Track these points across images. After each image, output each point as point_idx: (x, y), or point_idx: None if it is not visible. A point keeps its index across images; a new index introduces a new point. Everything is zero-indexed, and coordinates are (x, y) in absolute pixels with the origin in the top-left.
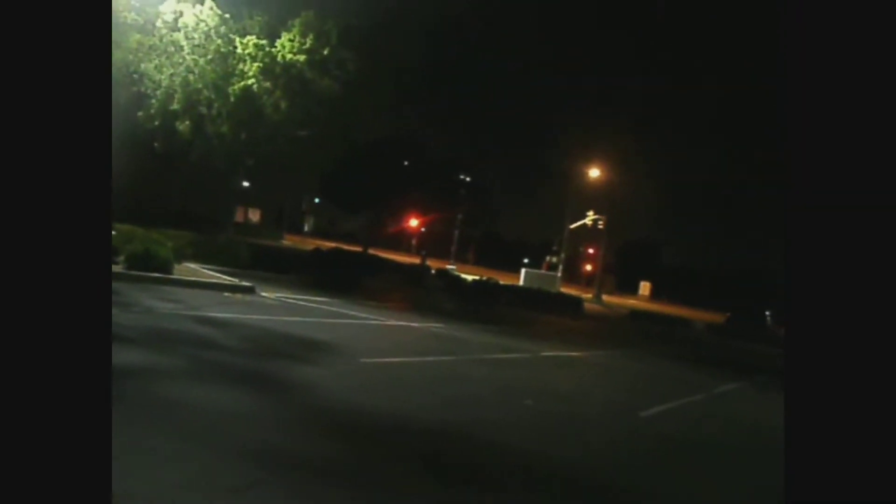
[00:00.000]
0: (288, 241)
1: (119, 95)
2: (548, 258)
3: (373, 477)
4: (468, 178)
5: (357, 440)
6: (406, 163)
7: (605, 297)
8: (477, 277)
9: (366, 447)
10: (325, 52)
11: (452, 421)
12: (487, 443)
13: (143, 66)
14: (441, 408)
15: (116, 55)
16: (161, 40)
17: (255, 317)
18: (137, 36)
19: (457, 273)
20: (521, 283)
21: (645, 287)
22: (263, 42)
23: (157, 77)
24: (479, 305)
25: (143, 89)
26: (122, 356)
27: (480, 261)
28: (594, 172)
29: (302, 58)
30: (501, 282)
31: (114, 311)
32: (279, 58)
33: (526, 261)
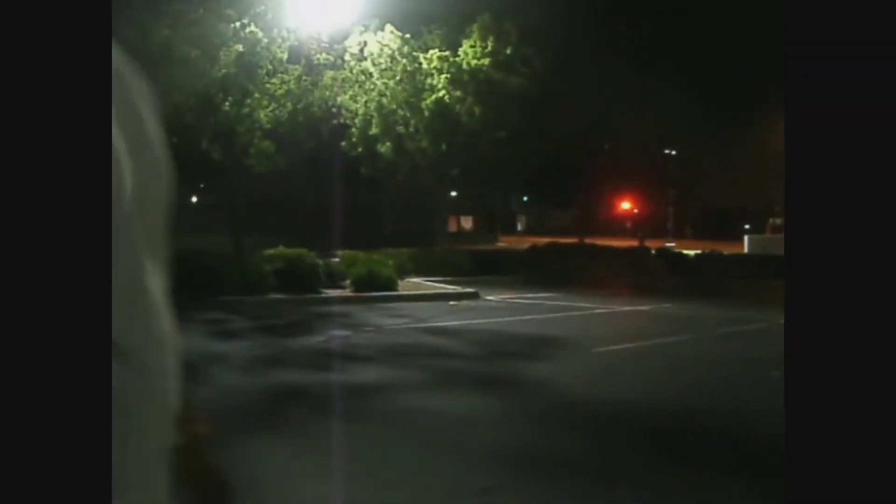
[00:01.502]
0: (503, 243)
1: (322, 131)
2: (770, 220)
3: (616, 470)
4: (674, 152)
5: (598, 433)
6: (607, 146)
7: None
8: (699, 251)
9: (607, 440)
10: (508, 52)
11: (696, 404)
12: (736, 424)
13: (339, 98)
14: (682, 391)
15: (315, 94)
16: (352, 72)
17: (482, 321)
18: (331, 73)
19: (677, 250)
20: (745, 250)
21: None
22: (446, 53)
23: (354, 106)
24: (705, 280)
25: (342, 121)
26: (361, 374)
27: (699, 234)
28: None
29: (486, 61)
30: (724, 252)
31: (347, 332)
32: (464, 65)
33: (747, 227)
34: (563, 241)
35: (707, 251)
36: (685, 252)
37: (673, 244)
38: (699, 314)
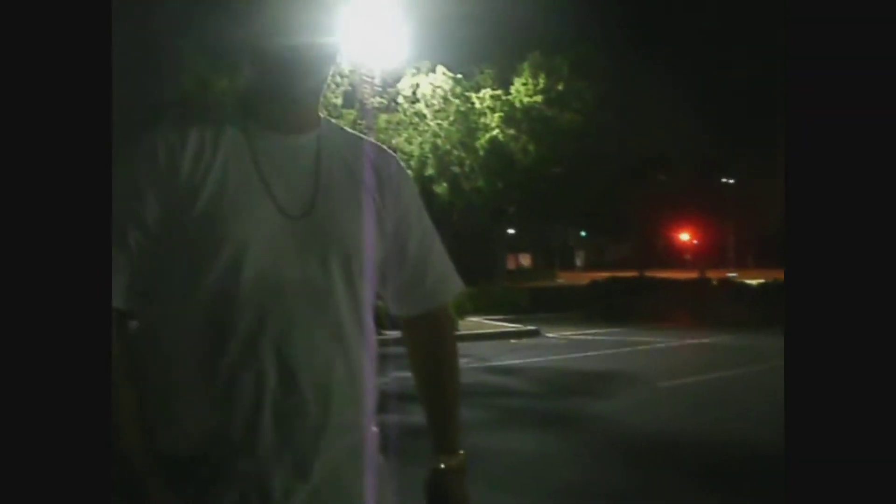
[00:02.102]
0: (562, 279)
1: None
2: None
3: None
4: (731, 181)
5: (661, 469)
6: (663, 177)
7: None
8: (762, 281)
9: (670, 475)
10: (560, 88)
11: (763, 439)
12: None
13: (394, 141)
14: (748, 425)
15: (370, 137)
16: (405, 114)
17: (544, 358)
18: (384, 116)
19: (739, 280)
20: None
21: None
22: (498, 92)
23: (409, 148)
24: (769, 310)
25: None
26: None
27: (761, 262)
28: None
29: (538, 98)
30: None
31: (409, 373)
32: (517, 103)
33: None
34: (622, 274)
35: (770, 280)
36: (747, 282)
37: (734, 274)
38: (763, 346)
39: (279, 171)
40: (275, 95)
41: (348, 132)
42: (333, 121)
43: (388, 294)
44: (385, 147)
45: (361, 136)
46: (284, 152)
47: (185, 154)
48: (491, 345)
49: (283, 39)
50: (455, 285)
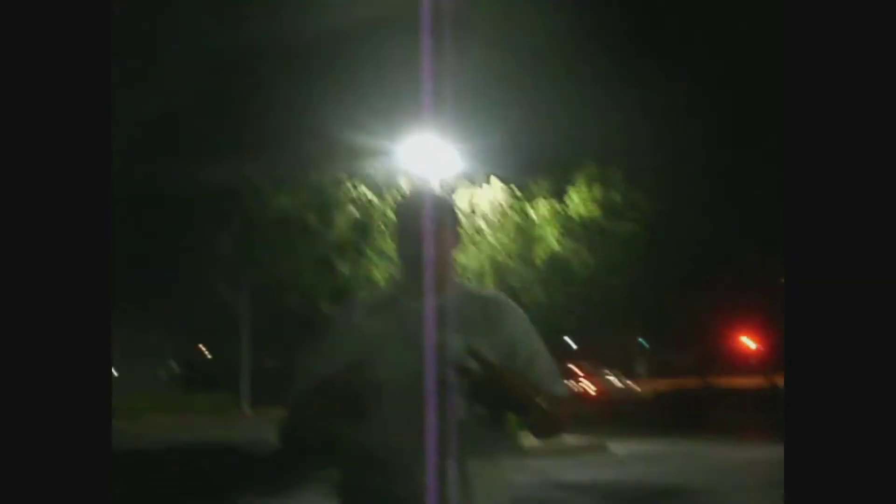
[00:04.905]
0: None
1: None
2: None
3: None
4: None
5: None
6: (725, 280)
7: None
8: None
9: None
10: (617, 199)
11: None
12: None
13: None
14: None
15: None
16: (462, 228)
17: (611, 473)
18: None
19: None
20: None
21: None
22: (556, 204)
23: (465, 261)
24: None
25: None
26: None
27: None
28: None
29: (595, 210)
30: None
31: None
32: (573, 215)
33: None
34: (686, 381)
35: None
36: None
37: None
38: None
39: (413, 318)
40: (409, 277)
41: (472, 291)
42: (465, 284)
43: None
44: (495, 293)
45: (479, 290)
46: (418, 308)
47: (351, 321)
48: (555, 459)
49: (406, 254)
50: (555, 389)
